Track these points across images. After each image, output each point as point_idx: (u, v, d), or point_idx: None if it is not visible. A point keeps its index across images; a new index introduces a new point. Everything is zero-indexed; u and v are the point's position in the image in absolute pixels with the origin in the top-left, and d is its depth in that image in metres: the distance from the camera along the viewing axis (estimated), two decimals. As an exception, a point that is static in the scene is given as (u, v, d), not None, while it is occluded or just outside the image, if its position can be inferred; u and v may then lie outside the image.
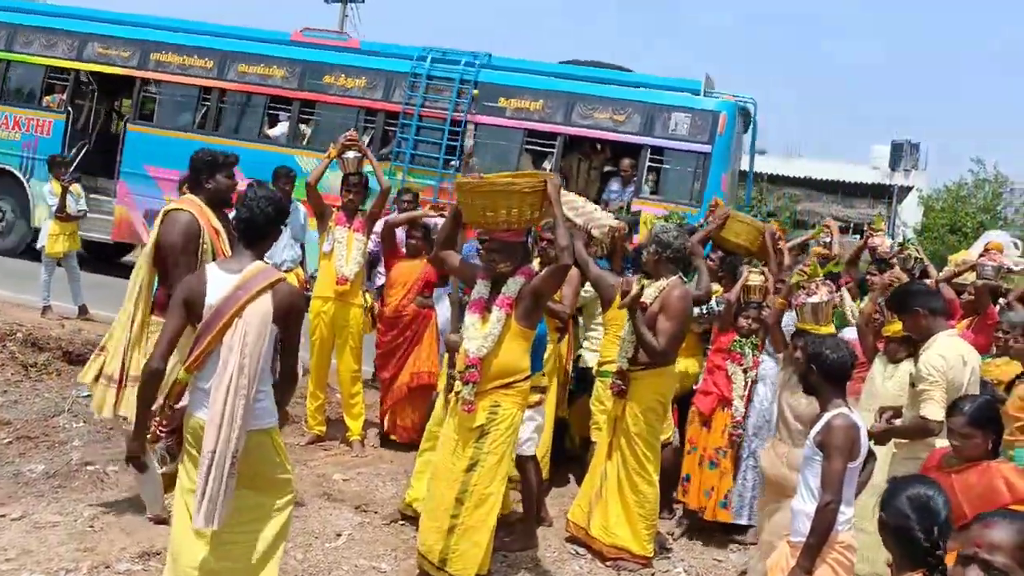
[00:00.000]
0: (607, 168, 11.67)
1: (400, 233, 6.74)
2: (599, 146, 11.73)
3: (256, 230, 3.48)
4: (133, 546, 4.34)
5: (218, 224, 4.58)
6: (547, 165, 11.43)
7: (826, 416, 3.61)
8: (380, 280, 7.38)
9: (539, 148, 11.41)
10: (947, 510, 2.59)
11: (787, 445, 4.50)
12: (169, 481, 3.97)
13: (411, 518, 5.00)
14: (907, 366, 4.85)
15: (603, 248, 5.98)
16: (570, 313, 5.83)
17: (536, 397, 5.09)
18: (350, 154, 6.61)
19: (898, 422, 4.48)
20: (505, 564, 4.77)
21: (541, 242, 5.65)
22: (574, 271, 5.13)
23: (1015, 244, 6.62)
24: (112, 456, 5.51)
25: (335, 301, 6.42)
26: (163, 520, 4.47)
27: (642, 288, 4.89)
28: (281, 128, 12.52)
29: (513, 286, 4.32)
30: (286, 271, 6.92)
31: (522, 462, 5.02)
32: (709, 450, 5.55)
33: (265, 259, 3.57)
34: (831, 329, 4.51)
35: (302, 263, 8.07)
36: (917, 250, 7.32)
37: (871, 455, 3.84)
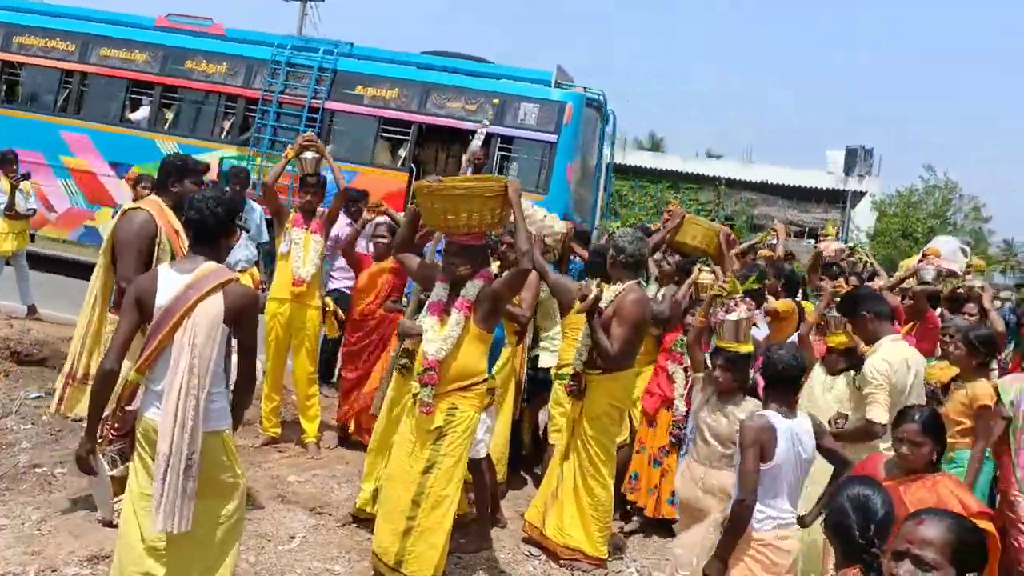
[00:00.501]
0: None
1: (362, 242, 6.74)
2: (457, 135, 12.12)
3: (206, 231, 3.46)
4: (81, 549, 4.27)
5: (179, 226, 4.57)
6: (402, 152, 11.93)
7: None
8: (332, 283, 7.35)
9: (395, 136, 11.73)
10: (885, 510, 2.70)
11: (704, 466, 4.43)
12: (119, 485, 3.92)
13: (365, 520, 4.99)
14: (845, 379, 4.98)
15: (555, 254, 6.04)
16: (529, 317, 5.85)
17: (487, 399, 5.12)
18: (308, 155, 6.57)
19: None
20: (460, 565, 4.78)
21: (501, 246, 5.67)
22: (533, 275, 5.16)
23: (963, 250, 6.79)
24: (61, 458, 5.42)
25: (291, 303, 6.38)
26: (112, 523, 4.40)
27: (600, 292, 4.92)
28: (142, 112, 12.71)
29: (472, 289, 4.34)
30: (240, 271, 6.84)
31: (474, 464, 5.03)
32: (653, 449, 5.65)
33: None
34: (750, 347, 4.44)
35: (257, 263, 8.00)
36: (866, 254, 7.50)
37: (846, 463, 3.92)
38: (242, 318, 3.39)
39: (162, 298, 3.32)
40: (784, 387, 3.92)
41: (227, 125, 12.49)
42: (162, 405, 3.23)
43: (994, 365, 5.69)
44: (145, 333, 3.38)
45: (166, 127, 12.49)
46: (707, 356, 5.04)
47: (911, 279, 6.71)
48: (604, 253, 5.71)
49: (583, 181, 12.48)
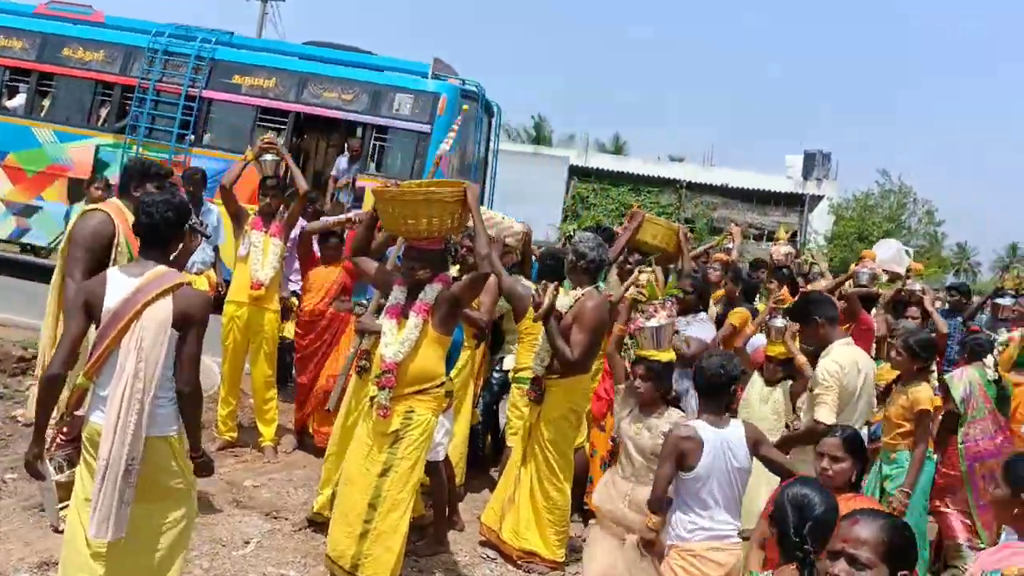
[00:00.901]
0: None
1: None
2: (334, 125, 12.32)
3: (157, 234, 3.42)
4: (32, 556, 4.21)
5: None
6: (279, 142, 11.99)
7: None
8: (290, 286, 7.33)
9: (272, 125, 11.74)
10: (824, 510, 2.78)
11: (630, 482, 4.24)
12: (66, 490, 3.87)
13: (322, 524, 4.97)
14: (781, 390, 5.07)
15: (516, 254, 6.05)
16: (488, 320, 5.87)
17: (444, 402, 5.14)
18: (268, 157, 6.53)
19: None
20: (416, 568, 4.78)
21: (461, 250, 5.68)
22: (492, 279, 5.17)
23: (907, 252, 6.95)
24: (11, 463, 5.32)
25: (249, 306, 6.33)
26: (59, 529, 4.34)
27: (555, 297, 4.93)
28: (19, 99, 12.64)
29: (431, 292, 4.35)
30: (196, 274, 6.79)
31: (432, 467, 5.05)
32: (603, 452, 5.65)
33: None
34: (672, 355, 4.31)
35: (214, 266, 7.94)
36: (813, 256, 7.66)
37: (787, 472, 3.88)
38: (192, 323, 3.34)
39: (110, 301, 3.27)
40: (715, 396, 3.90)
41: (104, 113, 12.44)
42: (105, 410, 3.19)
43: (933, 367, 5.85)
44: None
45: (43, 114, 12.42)
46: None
47: (848, 282, 6.89)
48: (557, 256, 5.74)
49: (462, 171, 12.68)
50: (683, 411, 4.29)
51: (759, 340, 5.80)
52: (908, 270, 7.17)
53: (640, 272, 5.68)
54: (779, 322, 5.23)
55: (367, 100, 11.79)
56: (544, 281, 5.06)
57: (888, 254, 6.80)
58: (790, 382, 5.22)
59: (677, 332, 4.55)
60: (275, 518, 5.21)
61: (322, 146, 12.74)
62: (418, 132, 11.63)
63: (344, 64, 12.14)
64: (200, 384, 3.47)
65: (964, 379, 5.79)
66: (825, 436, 3.66)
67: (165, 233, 3.44)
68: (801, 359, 4.94)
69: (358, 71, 12.03)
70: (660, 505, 3.83)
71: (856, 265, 6.97)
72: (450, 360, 4.79)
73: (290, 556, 4.74)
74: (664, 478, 3.77)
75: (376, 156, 11.94)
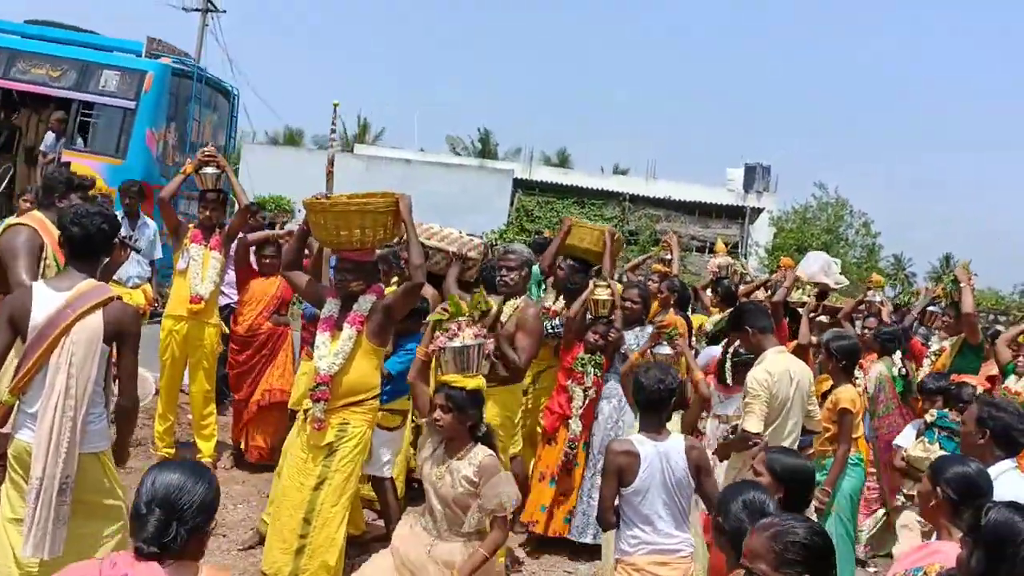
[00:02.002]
0: None
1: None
2: (45, 101, 12.51)
3: (89, 246, 3.37)
4: (-43, 579, 4.11)
5: None
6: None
7: None
8: (222, 299, 7.26)
9: None
10: (774, 507, 2.80)
11: (431, 535, 3.59)
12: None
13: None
14: (678, 415, 5.14)
15: (478, 268, 6.02)
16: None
17: (397, 420, 5.13)
18: (208, 170, 6.45)
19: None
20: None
21: (403, 263, 5.66)
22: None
23: (834, 263, 7.13)
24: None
25: (188, 320, 6.24)
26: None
27: (499, 310, 4.94)
28: None
29: (365, 304, 4.35)
30: (132, 287, 6.69)
31: (380, 483, 5.04)
32: (552, 467, 5.62)
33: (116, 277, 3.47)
34: (480, 382, 3.65)
35: (150, 280, 7.81)
36: (744, 267, 7.87)
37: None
38: (123, 337, 3.30)
39: (38, 316, 3.22)
40: (653, 409, 3.84)
41: None
42: (36, 427, 3.14)
43: (858, 372, 6.04)
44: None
45: None
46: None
47: (759, 291, 7.14)
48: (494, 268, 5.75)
49: (176, 149, 12.91)
50: (492, 450, 3.62)
51: (713, 351, 5.83)
52: (869, 283, 7.37)
53: (596, 286, 5.75)
54: (665, 349, 4.94)
55: (75, 76, 11.98)
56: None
57: (816, 266, 6.95)
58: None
59: (488, 355, 3.80)
60: (213, 535, 5.12)
61: (34, 122, 12.92)
62: (124, 108, 11.85)
63: (56, 41, 12.27)
64: (138, 398, 3.46)
65: (872, 374, 5.97)
66: (755, 446, 3.69)
67: (98, 245, 3.40)
68: (698, 375, 4.93)
69: (68, 48, 12.16)
70: (608, 523, 3.79)
71: (775, 274, 7.17)
72: (402, 377, 4.77)
73: (230, 573, 4.69)
74: (608, 496, 3.72)
75: (83, 131, 12.09)
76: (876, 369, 6.13)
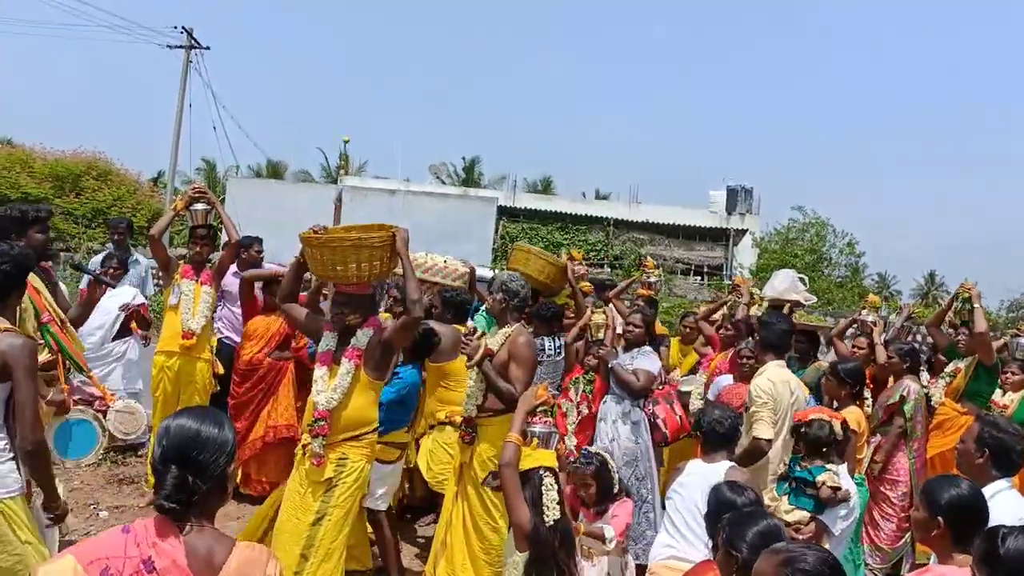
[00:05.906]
0: None
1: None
2: None
3: None
4: None
5: (39, 284, 4.23)
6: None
7: None
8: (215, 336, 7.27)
9: None
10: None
11: None
12: None
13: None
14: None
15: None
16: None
17: (395, 454, 5.13)
18: (198, 206, 6.49)
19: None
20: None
21: (388, 299, 5.67)
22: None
23: (801, 280, 7.14)
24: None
25: (180, 356, 6.26)
26: None
27: (484, 342, 4.91)
28: None
29: (363, 338, 4.35)
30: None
31: (376, 516, 5.03)
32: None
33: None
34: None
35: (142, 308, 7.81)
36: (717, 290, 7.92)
37: None
38: (16, 372, 3.08)
39: None
40: (709, 442, 4.23)
41: None
42: None
43: (867, 394, 6.05)
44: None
45: None
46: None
47: (722, 310, 7.27)
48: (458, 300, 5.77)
49: None
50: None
51: (726, 379, 5.91)
52: (865, 302, 7.43)
53: (593, 312, 5.85)
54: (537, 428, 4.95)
55: None
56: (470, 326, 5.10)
57: (784, 284, 6.98)
58: None
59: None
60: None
61: None
62: None
63: None
64: (44, 438, 3.20)
65: (912, 397, 5.91)
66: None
67: (3, 285, 3.28)
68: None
69: None
70: None
71: (731, 293, 7.30)
72: (405, 409, 4.77)
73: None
74: None
75: None
76: (913, 389, 5.95)
